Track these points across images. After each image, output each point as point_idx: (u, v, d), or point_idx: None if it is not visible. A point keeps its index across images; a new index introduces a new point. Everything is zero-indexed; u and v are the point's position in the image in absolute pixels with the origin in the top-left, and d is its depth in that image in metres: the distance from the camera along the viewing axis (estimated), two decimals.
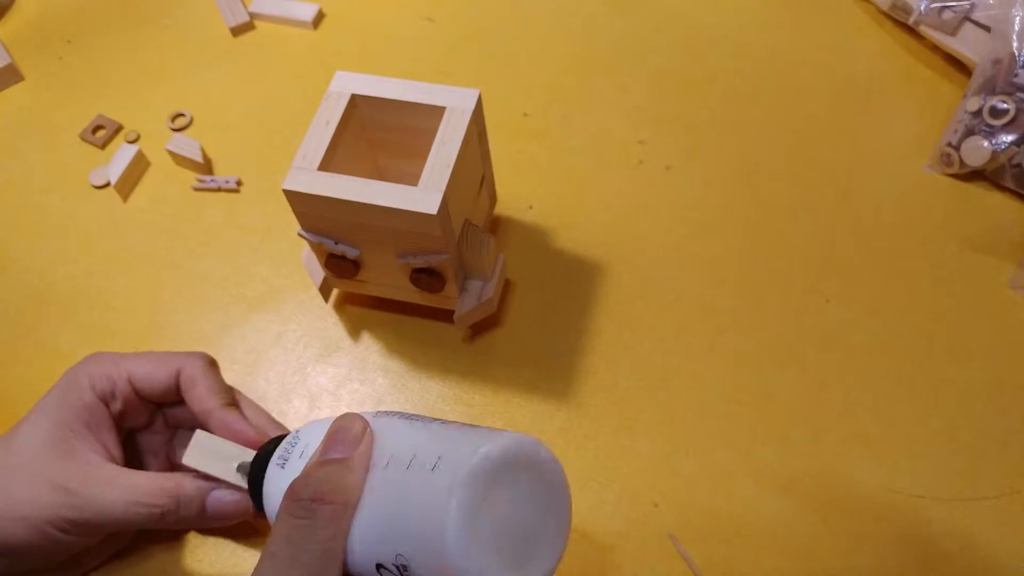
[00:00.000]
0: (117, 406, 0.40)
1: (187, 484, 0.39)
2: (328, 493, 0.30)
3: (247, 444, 0.39)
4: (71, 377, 0.40)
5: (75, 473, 0.37)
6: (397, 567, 0.29)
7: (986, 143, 0.52)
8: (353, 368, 0.49)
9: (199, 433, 0.39)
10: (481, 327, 0.49)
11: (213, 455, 0.39)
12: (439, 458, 0.29)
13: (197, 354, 0.42)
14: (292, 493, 0.31)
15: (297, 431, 0.36)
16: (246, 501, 0.39)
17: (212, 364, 0.42)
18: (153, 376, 0.40)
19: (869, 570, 0.41)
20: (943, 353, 0.48)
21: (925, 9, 0.58)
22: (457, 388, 0.47)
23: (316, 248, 0.44)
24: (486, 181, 0.48)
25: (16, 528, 0.36)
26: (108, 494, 0.37)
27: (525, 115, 0.59)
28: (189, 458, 0.38)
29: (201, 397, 0.40)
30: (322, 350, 0.49)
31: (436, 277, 0.43)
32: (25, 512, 0.36)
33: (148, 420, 0.43)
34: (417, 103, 0.43)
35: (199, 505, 0.39)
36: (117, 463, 0.39)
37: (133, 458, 0.42)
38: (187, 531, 0.43)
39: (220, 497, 0.39)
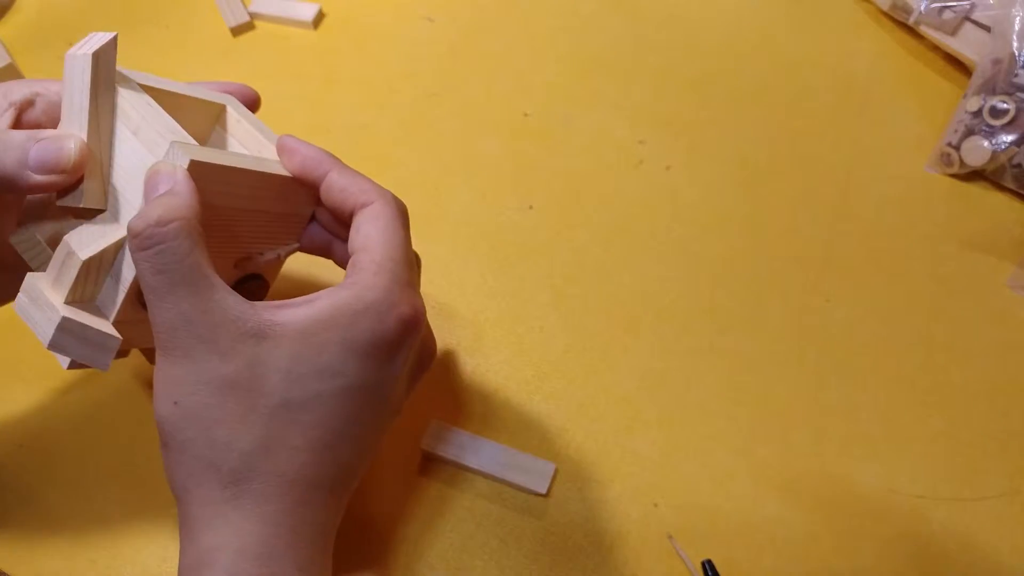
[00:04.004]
0: None
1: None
2: (165, 215, 0.29)
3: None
4: None
5: None
6: None
7: (986, 143, 0.52)
8: None
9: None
10: (480, 327, 0.49)
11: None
12: None
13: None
14: (132, 231, 0.29)
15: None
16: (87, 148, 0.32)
17: None
18: None
19: (869, 570, 0.41)
20: (943, 353, 0.48)
21: (925, 9, 0.58)
22: (457, 389, 0.47)
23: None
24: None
25: None
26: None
27: (525, 115, 0.59)
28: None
29: None
30: None
31: None
32: None
33: None
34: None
35: (18, 155, 0.31)
36: None
37: None
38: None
39: (52, 142, 0.31)
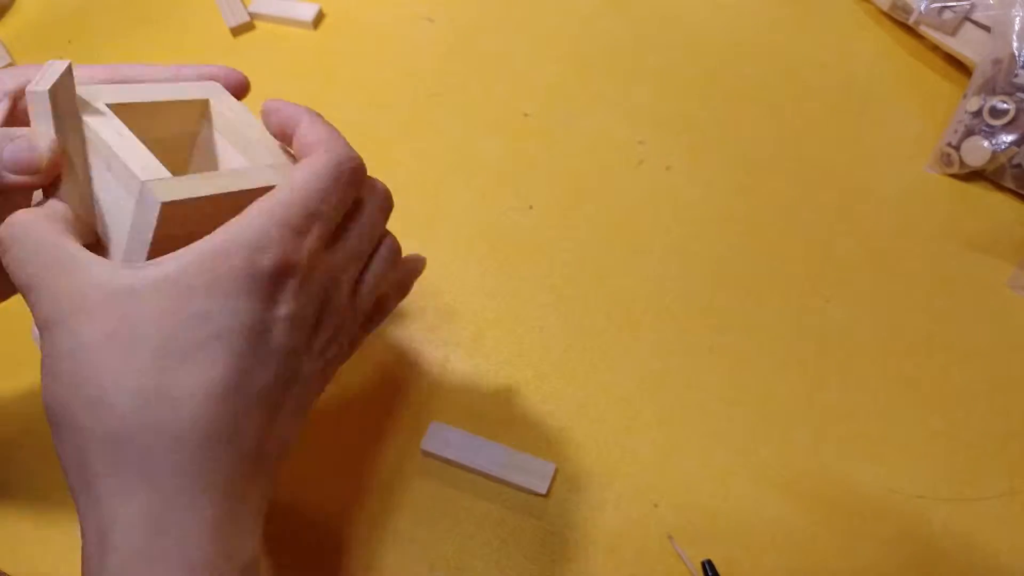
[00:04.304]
0: None
1: None
2: (12, 217, 0.29)
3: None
4: None
5: None
6: None
7: (986, 143, 0.52)
8: None
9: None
10: (480, 327, 0.49)
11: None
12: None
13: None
14: None
15: None
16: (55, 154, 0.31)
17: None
18: None
19: (869, 570, 0.41)
20: (943, 353, 0.48)
21: (925, 9, 0.58)
22: (457, 389, 0.47)
23: None
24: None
25: None
26: None
27: (525, 115, 0.59)
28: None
29: None
30: None
31: None
32: None
33: None
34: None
35: None
36: None
37: None
38: None
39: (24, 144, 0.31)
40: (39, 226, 0.29)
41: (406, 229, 0.53)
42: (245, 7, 0.65)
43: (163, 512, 0.27)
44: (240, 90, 0.39)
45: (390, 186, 0.35)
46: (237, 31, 0.64)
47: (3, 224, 0.29)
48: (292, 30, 0.65)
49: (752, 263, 0.51)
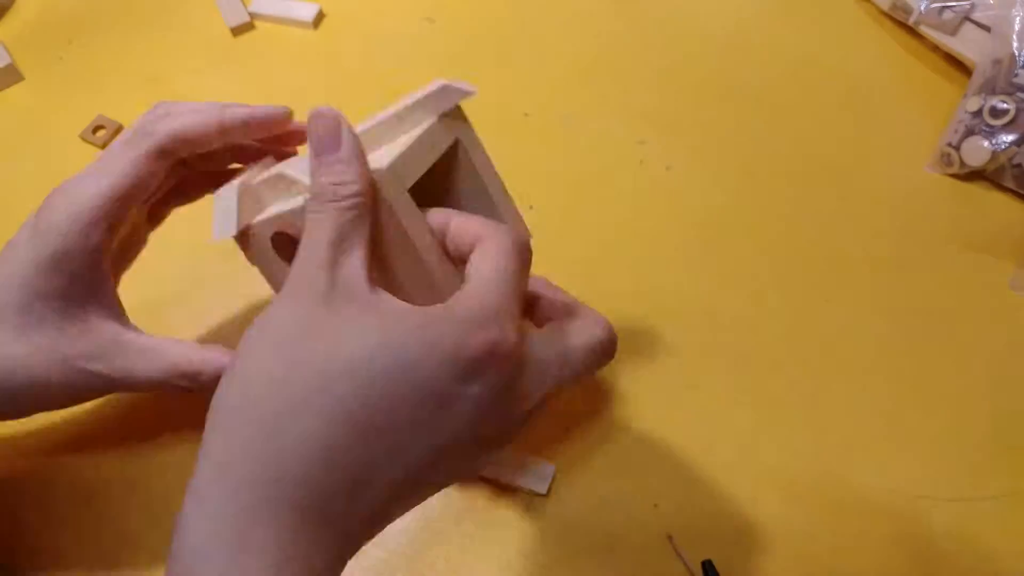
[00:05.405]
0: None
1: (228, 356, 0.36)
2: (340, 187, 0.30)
3: None
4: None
5: (94, 349, 0.36)
6: None
7: (986, 143, 0.52)
8: None
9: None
10: None
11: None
12: None
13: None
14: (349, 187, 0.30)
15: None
16: None
17: None
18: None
19: (869, 570, 0.41)
20: (943, 353, 0.48)
21: (925, 9, 0.58)
22: None
23: None
24: None
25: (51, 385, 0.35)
26: (142, 366, 0.36)
27: (525, 115, 0.59)
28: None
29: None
30: None
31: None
32: (53, 393, 0.36)
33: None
34: None
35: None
36: (122, 317, 0.37)
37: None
38: None
39: None
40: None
41: None
42: (245, 7, 0.65)
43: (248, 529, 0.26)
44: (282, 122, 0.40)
45: None
46: (237, 31, 0.64)
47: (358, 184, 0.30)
48: (292, 30, 0.65)
49: (752, 263, 0.51)
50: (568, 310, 0.34)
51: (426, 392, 0.28)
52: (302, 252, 0.30)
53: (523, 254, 0.33)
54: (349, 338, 0.28)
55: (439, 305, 0.29)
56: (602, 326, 0.33)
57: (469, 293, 0.29)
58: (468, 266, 0.31)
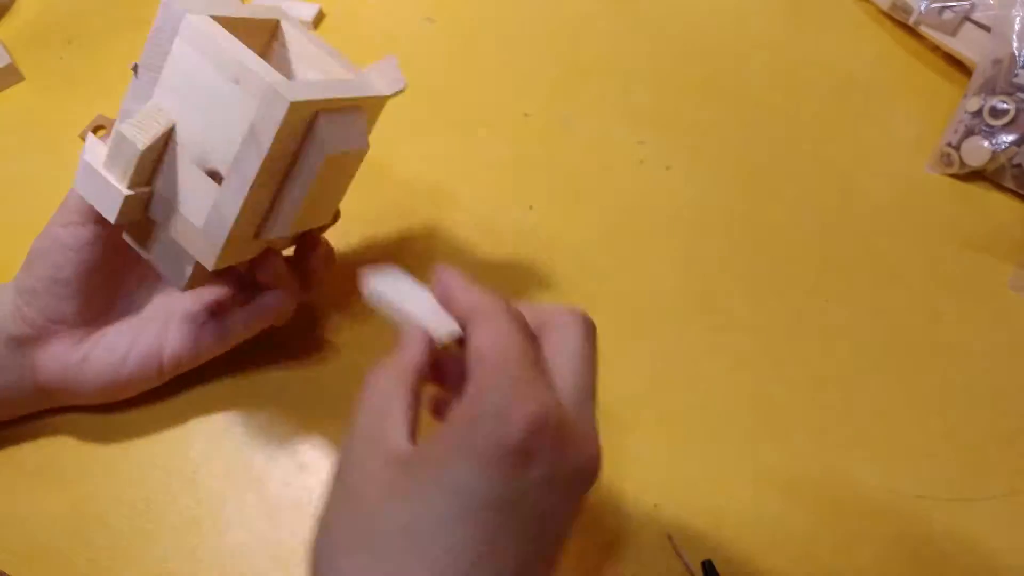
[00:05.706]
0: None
1: None
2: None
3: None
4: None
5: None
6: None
7: (986, 143, 0.52)
8: None
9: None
10: None
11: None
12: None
13: None
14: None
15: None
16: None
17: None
18: None
19: (869, 570, 0.41)
20: (943, 353, 0.48)
21: (925, 9, 0.58)
22: None
23: None
24: None
25: None
26: None
27: (525, 115, 0.59)
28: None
29: None
30: None
31: None
32: None
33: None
34: None
35: None
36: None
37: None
38: None
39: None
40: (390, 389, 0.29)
41: (406, 230, 0.53)
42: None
43: None
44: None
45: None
46: None
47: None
48: None
49: (752, 263, 0.51)
50: (536, 320, 0.32)
51: (495, 508, 0.26)
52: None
53: (518, 321, 0.30)
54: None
55: (458, 405, 0.27)
56: (574, 318, 0.32)
57: (483, 372, 0.27)
58: (467, 344, 0.29)
